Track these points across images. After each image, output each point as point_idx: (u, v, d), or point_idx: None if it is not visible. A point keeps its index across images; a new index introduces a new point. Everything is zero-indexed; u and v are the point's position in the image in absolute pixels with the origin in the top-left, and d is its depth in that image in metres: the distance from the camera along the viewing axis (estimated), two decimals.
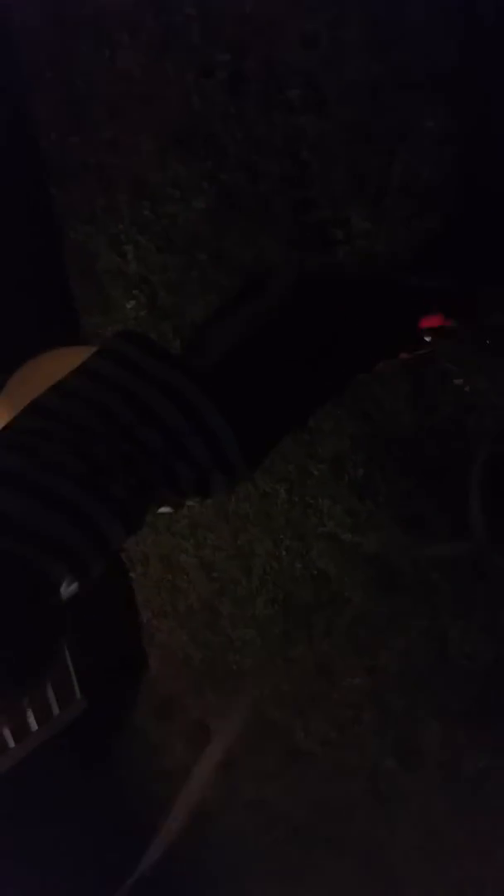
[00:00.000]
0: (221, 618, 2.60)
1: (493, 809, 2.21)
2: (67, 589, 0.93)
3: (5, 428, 0.98)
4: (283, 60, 1.56)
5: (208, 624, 2.67)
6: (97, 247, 2.18)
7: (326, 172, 1.58)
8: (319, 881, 2.86)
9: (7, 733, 2.86)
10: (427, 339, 1.40)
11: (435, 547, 1.87)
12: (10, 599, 0.83)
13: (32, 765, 2.97)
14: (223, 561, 2.47)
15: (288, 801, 2.86)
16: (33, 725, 2.95)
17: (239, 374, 1.14)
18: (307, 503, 2.10)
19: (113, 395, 1.02)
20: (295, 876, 2.94)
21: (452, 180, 1.45)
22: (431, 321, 1.35)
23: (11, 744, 2.87)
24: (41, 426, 0.96)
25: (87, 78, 1.98)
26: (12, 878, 3.06)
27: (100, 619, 2.90)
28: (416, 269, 1.52)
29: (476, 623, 1.95)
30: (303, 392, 1.29)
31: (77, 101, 2.03)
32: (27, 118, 2.17)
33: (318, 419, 1.90)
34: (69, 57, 1.98)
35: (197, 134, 1.77)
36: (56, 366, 1.13)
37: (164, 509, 1.14)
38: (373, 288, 1.31)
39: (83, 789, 3.27)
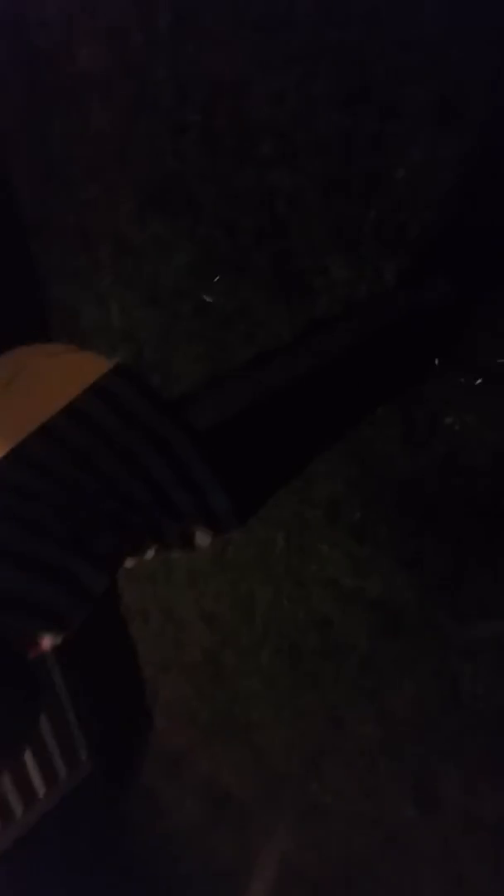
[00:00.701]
0: (226, 669, 2.56)
1: None
2: (52, 641, 0.92)
3: None
4: (254, 117, 1.58)
5: (213, 676, 2.62)
6: (81, 303, 2.19)
7: (303, 223, 1.60)
8: None
9: (15, 801, 2.79)
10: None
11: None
12: None
13: (42, 831, 2.90)
14: (224, 611, 2.43)
15: (305, 855, 2.77)
16: (40, 790, 2.87)
17: (236, 437, 1.13)
18: (305, 549, 2.07)
19: (101, 444, 1.00)
20: None
21: (429, 220, 1.46)
22: None
23: (19, 812, 2.80)
24: (27, 482, 0.94)
25: (62, 140, 2.01)
26: None
27: (102, 676, 2.86)
28: (406, 288, 1.52)
29: (486, 663, 1.91)
30: (302, 451, 1.29)
31: (54, 163, 2.06)
32: (4, 180, 2.20)
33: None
34: (43, 121, 2.01)
35: (173, 191, 1.79)
36: (51, 370, 1.11)
37: (147, 554, 1.13)
38: (368, 330, 1.31)
39: (93, 852, 3.18)
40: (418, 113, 1.36)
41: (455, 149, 1.35)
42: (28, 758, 2.76)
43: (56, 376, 1.10)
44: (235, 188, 1.67)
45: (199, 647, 2.59)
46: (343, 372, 1.29)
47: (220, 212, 1.72)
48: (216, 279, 1.80)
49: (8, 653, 0.85)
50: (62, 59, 1.88)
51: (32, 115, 2.04)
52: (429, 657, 2.00)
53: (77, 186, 2.04)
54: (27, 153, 2.11)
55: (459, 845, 2.26)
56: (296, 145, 1.53)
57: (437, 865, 2.36)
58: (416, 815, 2.28)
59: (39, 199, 2.17)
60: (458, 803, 2.18)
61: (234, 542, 2.23)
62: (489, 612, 1.85)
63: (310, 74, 1.48)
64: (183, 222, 1.81)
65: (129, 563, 1.08)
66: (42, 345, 1.17)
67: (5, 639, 0.85)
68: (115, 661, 2.89)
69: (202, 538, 1.13)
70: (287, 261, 1.64)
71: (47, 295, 2.26)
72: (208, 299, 1.83)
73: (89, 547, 0.94)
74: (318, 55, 1.44)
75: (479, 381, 1.51)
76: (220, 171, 1.68)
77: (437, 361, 1.50)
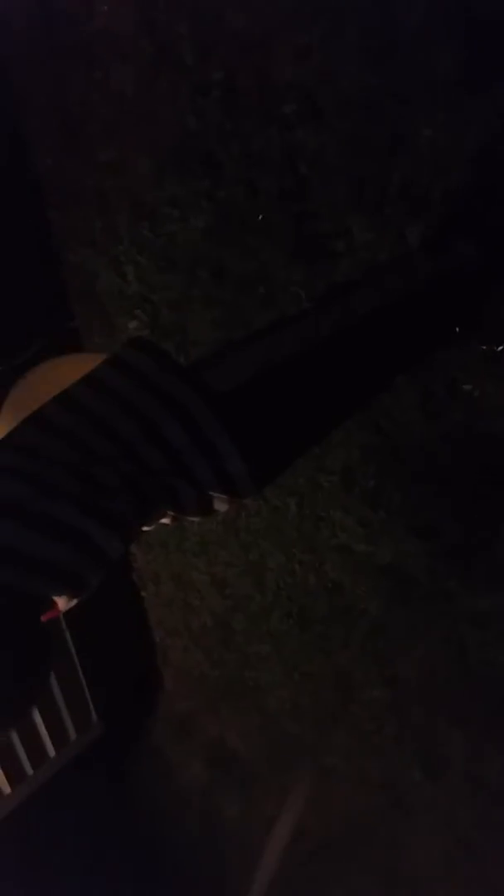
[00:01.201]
0: (236, 634, 2.59)
1: None
2: (68, 604, 0.94)
3: (10, 438, 0.97)
4: (277, 76, 1.56)
5: (222, 641, 2.66)
6: (97, 268, 2.18)
7: (325, 184, 1.58)
8: (345, 895, 2.83)
9: (25, 760, 2.84)
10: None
11: None
12: None
13: (52, 789, 2.95)
14: (235, 577, 2.45)
15: (310, 815, 2.83)
16: (50, 751, 2.92)
17: (254, 402, 1.13)
18: (318, 516, 2.08)
19: (118, 409, 1.01)
20: (320, 890, 2.91)
21: (454, 183, 1.44)
22: None
23: (30, 771, 2.85)
24: (44, 443, 0.95)
25: (81, 101, 1.98)
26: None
27: (113, 640, 2.89)
28: (429, 252, 1.51)
29: (494, 630, 1.93)
30: (320, 418, 1.28)
31: (72, 125, 2.04)
32: (23, 143, 2.18)
33: None
34: (63, 81, 1.98)
35: (193, 152, 1.77)
36: (64, 372, 1.12)
37: (164, 520, 1.14)
38: (390, 296, 1.30)
39: (103, 811, 3.25)
40: (447, 71, 1.34)
41: (483, 109, 1.33)
42: (38, 719, 2.81)
43: (77, 360, 1.10)
44: (257, 148, 1.65)
45: (210, 612, 2.62)
46: (363, 338, 1.29)
47: (241, 173, 1.70)
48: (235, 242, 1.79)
49: (22, 615, 0.87)
50: (82, 18, 1.85)
51: (51, 74, 2.01)
52: (438, 624, 2.03)
53: (95, 148, 2.02)
54: (45, 114, 2.08)
55: (464, 808, 2.31)
56: (320, 104, 1.51)
57: (442, 828, 2.41)
58: (422, 779, 2.33)
59: (57, 161, 2.15)
60: (464, 767, 2.22)
61: (247, 509, 2.24)
62: (500, 581, 1.86)
63: (336, 30, 1.45)
64: (202, 184, 1.79)
65: (146, 527, 1.09)
66: (65, 356, 1.18)
67: (20, 601, 0.87)
68: (127, 624, 2.93)
69: (220, 504, 1.14)
70: (308, 223, 1.63)
71: (65, 259, 2.25)
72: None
73: (105, 510, 0.94)
74: (344, 10, 1.42)
75: (500, 347, 1.50)
76: (241, 130, 1.66)
77: (458, 329, 1.50)
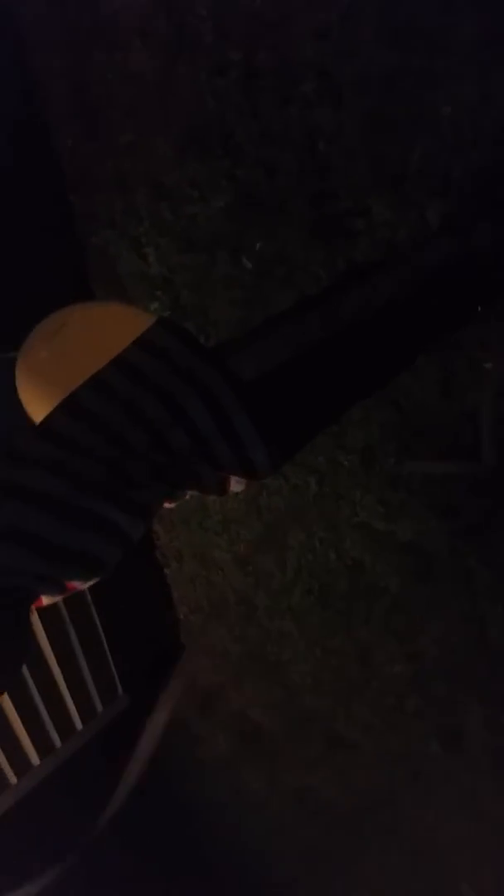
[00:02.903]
0: (258, 610, 2.63)
1: None
2: (87, 583, 0.99)
3: (49, 427, 1.00)
4: (296, 55, 1.56)
5: (245, 617, 2.70)
6: (118, 250, 2.20)
7: (345, 163, 1.58)
8: (367, 868, 2.89)
9: (53, 732, 2.91)
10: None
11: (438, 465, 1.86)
12: None
13: (81, 761, 3.02)
14: (257, 555, 2.49)
15: (332, 789, 2.88)
16: (78, 723, 3.00)
17: (279, 388, 1.14)
18: (339, 494, 2.11)
19: (149, 393, 1.03)
20: (342, 863, 2.97)
21: (474, 161, 1.44)
22: None
23: (58, 743, 2.93)
24: (80, 435, 0.98)
25: (101, 83, 1.99)
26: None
27: (137, 616, 2.95)
28: (449, 231, 1.50)
29: None
30: (342, 400, 1.30)
31: (92, 107, 2.05)
32: (43, 126, 2.19)
33: None
34: (82, 63, 1.99)
35: (213, 133, 1.77)
36: (104, 324, 1.14)
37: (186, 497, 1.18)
38: (411, 278, 1.31)
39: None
40: (467, 48, 1.33)
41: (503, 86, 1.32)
42: (65, 692, 2.88)
43: (103, 329, 1.12)
44: (276, 128, 1.65)
45: (232, 589, 2.66)
46: (384, 320, 1.29)
47: (260, 153, 1.71)
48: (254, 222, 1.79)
49: (12, 605, 0.91)
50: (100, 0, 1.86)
51: (70, 57, 2.02)
52: (459, 601, 2.05)
53: (115, 130, 2.03)
54: (65, 97, 2.09)
55: (482, 782, 2.34)
56: (339, 83, 1.51)
57: (460, 801, 2.45)
58: (441, 752, 2.36)
59: (77, 143, 2.16)
60: (483, 742, 2.25)
61: (268, 487, 2.27)
62: None
63: (354, 8, 1.44)
64: (221, 164, 1.80)
65: (168, 505, 1.13)
66: (87, 302, 1.20)
67: (19, 593, 0.91)
68: (151, 601, 2.98)
69: (236, 485, 1.17)
70: (328, 202, 1.63)
71: (86, 241, 2.27)
72: (248, 265, 1.84)
73: (135, 501, 0.99)
74: None
75: None
76: (260, 110, 1.66)
77: (478, 307, 1.50)
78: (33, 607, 0.96)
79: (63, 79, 2.08)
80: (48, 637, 2.68)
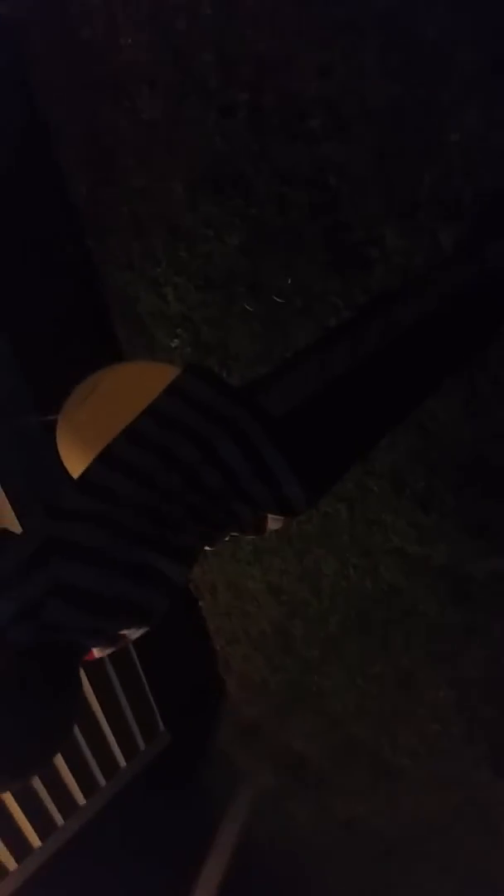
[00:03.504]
0: (295, 640, 2.61)
1: None
2: (135, 634, 0.99)
3: (87, 480, 1.02)
4: (301, 92, 1.58)
5: (282, 647, 2.68)
6: (137, 291, 2.24)
7: (356, 195, 1.60)
8: None
9: (98, 771, 2.91)
10: None
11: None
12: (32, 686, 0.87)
13: (124, 800, 3.01)
14: (291, 583, 2.48)
15: (380, 818, 2.83)
16: (122, 762, 3.00)
17: (310, 423, 1.15)
18: (370, 520, 2.09)
19: (179, 437, 1.05)
20: (391, 892, 2.90)
21: (485, 185, 1.44)
22: None
23: (102, 782, 2.93)
24: (117, 484, 1.00)
25: (112, 130, 2.04)
26: None
27: (175, 651, 2.95)
28: (464, 255, 1.50)
29: None
30: (372, 432, 1.30)
31: (105, 153, 2.10)
32: (60, 175, 2.26)
33: None
34: (94, 113, 2.05)
35: (224, 173, 1.81)
36: (133, 381, 1.17)
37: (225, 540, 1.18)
38: (430, 304, 1.31)
39: (175, 819, 3.29)
40: (471, 75, 1.34)
41: None
42: (108, 731, 2.88)
43: (134, 385, 1.15)
44: (286, 164, 1.67)
45: (268, 619, 2.65)
46: (408, 348, 1.29)
47: (272, 189, 1.73)
48: (270, 257, 1.82)
49: (65, 662, 0.91)
50: (108, 51, 1.91)
51: (82, 107, 2.08)
52: (498, 622, 2.01)
53: (128, 175, 2.08)
54: (79, 145, 2.15)
55: None
56: (346, 117, 1.53)
57: None
58: (493, 777, 2.31)
59: (92, 189, 2.22)
60: None
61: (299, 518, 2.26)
62: None
63: (356, 44, 1.47)
64: (234, 203, 1.83)
65: (210, 548, 1.14)
66: (118, 363, 1.23)
67: (62, 650, 0.91)
68: (187, 634, 2.98)
69: (274, 523, 1.18)
70: (341, 233, 1.65)
71: (106, 284, 2.32)
72: (278, 300, 1.86)
73: (174, 542, 1.00)
74: (363, 24, 1.43)
75: None
76: (269, 148, 1.69)
77: (500, 328, 1.49)
78: (84, 660, 0.96)
79: (76, 127, 2.14)
80: (88, 677, 2.69)
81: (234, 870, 3.33)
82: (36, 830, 2.76)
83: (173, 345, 2.22)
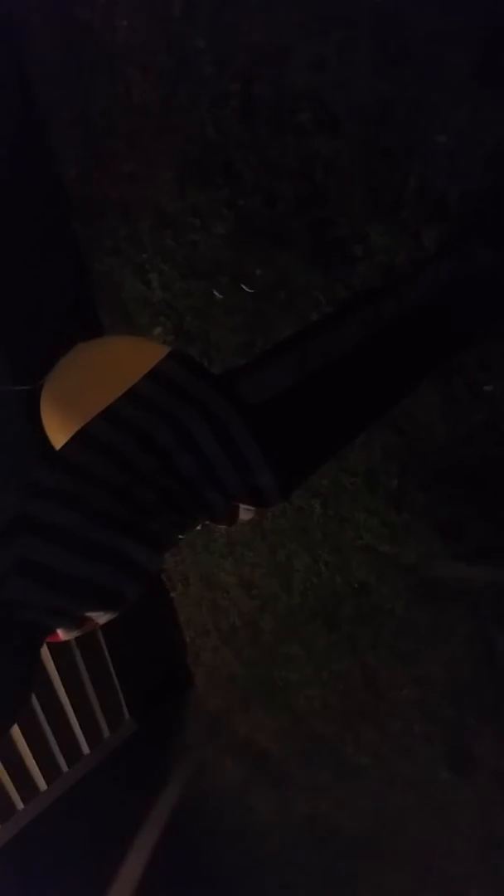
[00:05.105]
0: (264, 634, 2.62)
1: None
2: (103, 618, 0.98)
3: (63, 457, 1.02)
4: (293, 85, 1.58)
5: (251, 641, 2.69)
6: (122, 276, 2.23)
7: (342, 190, 1.60)
8: (376, 895, 2.84)
9: (60, 758, 2.90)
10: None
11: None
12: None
13: (86, 787, 3.01)
14: (262, 577, 2.49)
15: (341, 814, 2.85)
16: (85, 749, 2.99)
17: (286, 414, 1.16)
18: (343, 517, 2.10)
19: (160, 422, 1.05)
20: (351, 889, 2.92)
21: (471, 186, 1.45)
22: None
23: (65, 768, 2.92)
24: (91, 463, 1.00)
25: (103, 114, 2.03)
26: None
27: (144, 640, 2.95)
28: (447, 256, 1.51)
29: None
30: (348, 427, 1.31)
31: (95, 137, 2.08)
32: (48, 156, 2.24)
33: None
34: (85, 95, 2.03)
35: (213, 162, 1.80)
36: (122, 355, 1.17)
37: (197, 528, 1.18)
38: (411, 302, 1.32)
39: (137, 808, 3.29)
40: (460, 76, 1.35)
41: (498, 112, 1.34)
42: (72, 717, 2.88)
43: (120, 361, 1.15)
44: (275, 157, 1.67)
45: (239, 612, 2.66)
46: (387, 345, 1.30)
47: (260, 181, 1.73)
48: (255, 249, 1.82)
49: (24, 639, 0.90)
50: (103, 33, 1.90)
51: (74, 89, 2.06)
52: (465, 623, 2.03)
53: (118, 160, 2.06)
54: (70, 127, 2.14)
55: (493, 807, 2.31)
56: (336, 112, 1.53)
57: (471, 826, 2.41)
58: (451, 777, 2.33)
59: (81, 173, 2.20)
60: (493, 765, 2.22)
61: (272, 511, 2.27)
62: None
63: (350, 40, 1.47)
64: (222, 193, 1.83)
65: (182, 536, 1.14)
66: (105, 336, 1.23)
67: (24, 626, 0.90)
68: (157, 625, 2.98)
69: (245, 513, 1.18)
70: (326, 229, 1.65)
71: (90, 268, 2.31)
72: (248, 289, 1.86)
73: (147, 530, 1.00)
74: (358, 19, 1.43)
75: None
76: (259, 140, 1.69)
77: (479, 330, 1.50)
78: (46, 641, 0.96)
79: (68, 110, 2.12)
80: (55, 661, 2.68)
81: (194, 862, 3.34)
82: None
83: (156, 332, 2.22)
